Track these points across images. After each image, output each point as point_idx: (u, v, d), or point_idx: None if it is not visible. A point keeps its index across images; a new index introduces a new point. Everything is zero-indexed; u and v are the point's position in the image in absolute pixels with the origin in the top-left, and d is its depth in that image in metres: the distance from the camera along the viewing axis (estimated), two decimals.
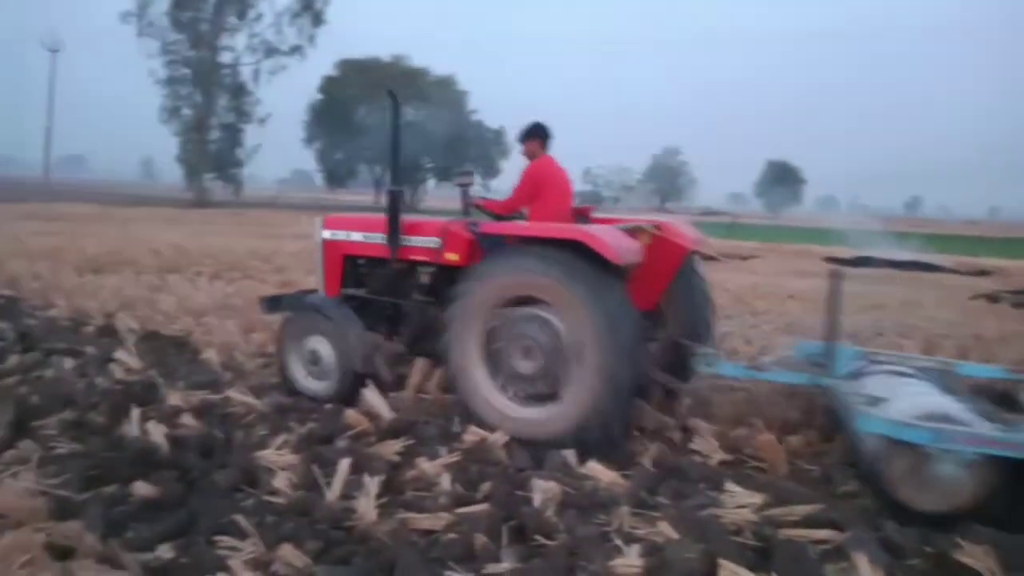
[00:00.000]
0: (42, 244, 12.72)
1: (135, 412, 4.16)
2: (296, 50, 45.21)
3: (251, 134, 46.07)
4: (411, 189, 56.56)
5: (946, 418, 3.38)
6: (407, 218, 5.16)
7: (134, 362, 5.45)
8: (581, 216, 5.26)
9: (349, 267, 5.45)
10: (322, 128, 52.72)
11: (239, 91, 44.98)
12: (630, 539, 3.04)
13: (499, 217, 5.11)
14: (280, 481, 3.47)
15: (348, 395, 4.68)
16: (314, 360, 4.91)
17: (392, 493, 3.45)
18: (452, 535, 3.02)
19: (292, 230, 20.86)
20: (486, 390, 4.29)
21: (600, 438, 3.97)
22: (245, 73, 44.95)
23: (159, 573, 2.75)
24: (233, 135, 45.49)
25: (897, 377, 4.23)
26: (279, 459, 3.74)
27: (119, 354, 5.56)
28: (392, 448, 3.86)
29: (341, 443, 4.02)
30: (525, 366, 4.19)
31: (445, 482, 3.51)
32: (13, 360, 5.38)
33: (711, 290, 5.22)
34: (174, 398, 4.54)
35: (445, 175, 56.39)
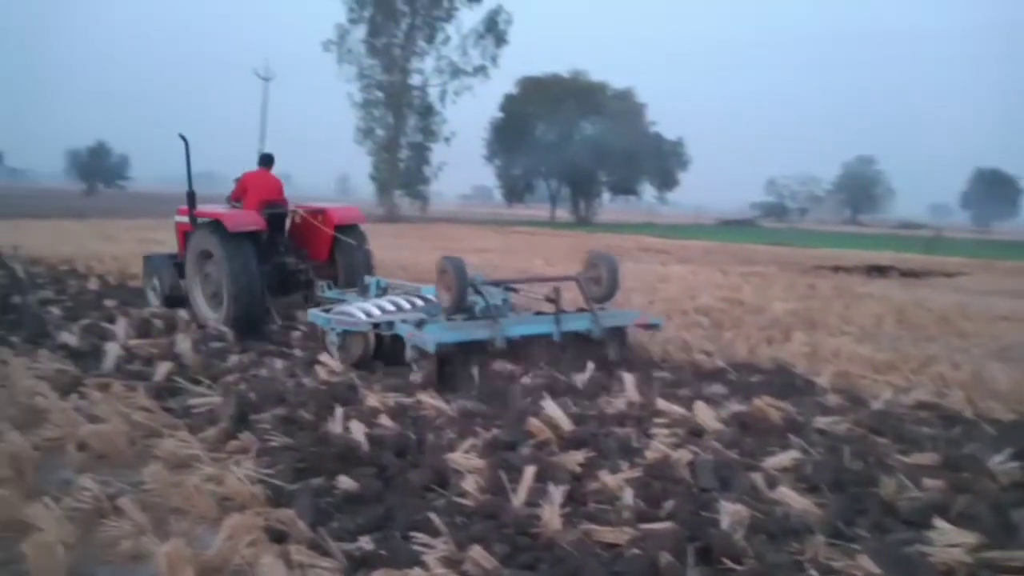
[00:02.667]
0: None
1: (338, 411, 4.50)
2: (480, 70, 47.15)
3: (437, 152, 48.53)
4: (586, 202, 56.97)
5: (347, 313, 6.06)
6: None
7: (335, 364, 5.88)
8: (273, 206, 7.89)
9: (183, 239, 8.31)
10: (502, 145, 54.33)
11: (427, 111, 47.50)
12: (827, 571, 2.87)
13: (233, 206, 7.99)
14: (469, 483, 3.60)
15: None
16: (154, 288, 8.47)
17: (575, 503, 3.47)
18: (636, 551, 2.99)
19: (473, 244, 21.67)
20: (200, 302, 7.61)
21: (244, 324, 7.02)
22: (432, 94, 47.44)
23: (361, 563, 2.94)
24: (421, 153, 48.09)
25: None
26: (467, 462, 3.88)
27: (323, 357, 6.01)
28: (574, 459, 3.89)
29: (525, 450, 4.12)
30: (209, 289, 7.50)
31: (627, 496, 3.48)
32: (233, 359, 5.99)
33: (363, 248, 8.14)
34: (372, 399, 4.85)
35: (622, 188, 56.32)
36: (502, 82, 52.00)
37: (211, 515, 3.32)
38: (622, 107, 52.85)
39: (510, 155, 53.66)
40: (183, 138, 7.84)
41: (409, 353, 5.50)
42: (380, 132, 46.85)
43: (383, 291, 7.29)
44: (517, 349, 5.79)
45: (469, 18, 46.92)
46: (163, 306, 8.09)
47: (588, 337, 6.17)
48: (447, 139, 47.98)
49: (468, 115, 50.52)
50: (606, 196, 60.49)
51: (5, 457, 3.67)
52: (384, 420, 4.48)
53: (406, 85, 46.33)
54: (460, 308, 5.78)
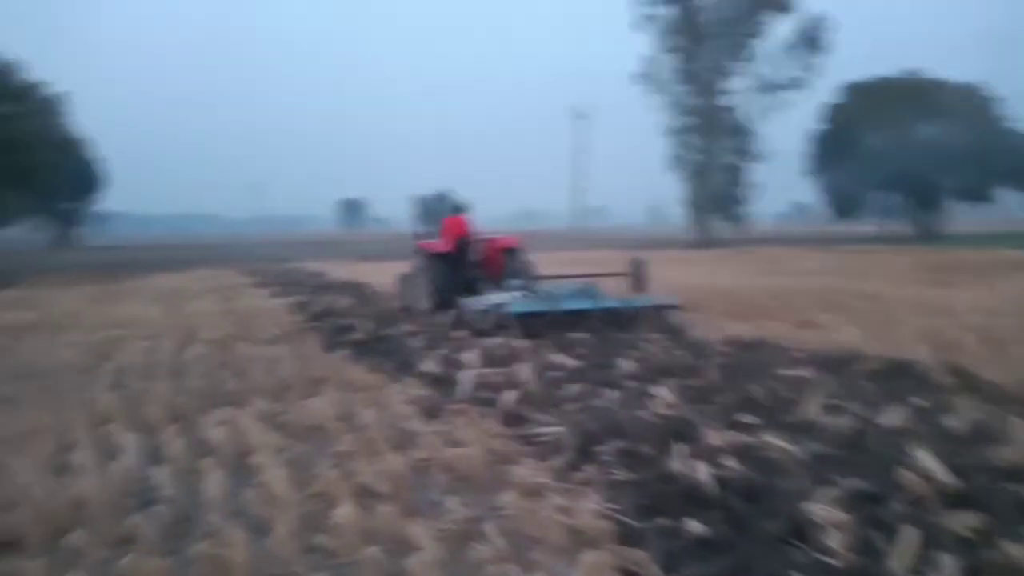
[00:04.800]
0: None
1: (679, 448, 4.38)
2: (796, 84, 44.67)
3: (752, 172, 46.80)
4: (928, 213, 50.61)
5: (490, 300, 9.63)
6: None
7: (670, 397, 5.78)
8: (460, 238, 11.40)
9: None
10: (827, 158, 50.60)
11: (739, 131, 46.10)
12: None
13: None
14: (832, 539, 3.25)
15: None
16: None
17: None
18: None
19: (796, 266, 20.37)
20: (420, 296, 11.52)
21: (438, 309, 10.63)
22: (745, 113, 45.96)
23: None
24: (735, 175, 46.72)
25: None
26: (827, 514, 3.52)
27: (655, 389, 5.96)
28: (962, 520, 3.33)
29: (896, 505, 3.63)
30: (423, 289, 11.45)
31: None
32: (572, 389, 6.18)
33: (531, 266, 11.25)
34: (712, 437, 4.66)
35: (972, 195, 49.11)
36: (816, 94, 48.71)
37: (564, 547, 3.39)
38: (966, 105, 46.20)
39: (838, 168, 49.70)
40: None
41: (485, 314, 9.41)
42: (692, 158, 46.48)
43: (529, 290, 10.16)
44: (570, 318, 9.00)
45: (780, 31, 44.81)
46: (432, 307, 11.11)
47: (621, 314, 9.30)
48: (762, 158, 46.09)
49: (782, 131, 48.08)
50: (952, 204, 53.07)
51: (386, 475, 4.13)
52: (727, 460, 4.26)
53: (717, 107, 45.49)
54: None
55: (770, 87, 45.23)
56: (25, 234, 62.92)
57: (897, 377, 6.39)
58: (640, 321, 9.14)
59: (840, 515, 3.49)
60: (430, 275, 11.01)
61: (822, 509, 3.57)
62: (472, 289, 10.80)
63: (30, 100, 38.84)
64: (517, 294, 9.82)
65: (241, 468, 4.41)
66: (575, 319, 8.98)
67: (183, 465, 4.45)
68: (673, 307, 9.68)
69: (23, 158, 34.01)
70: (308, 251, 42.47)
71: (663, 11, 45.25)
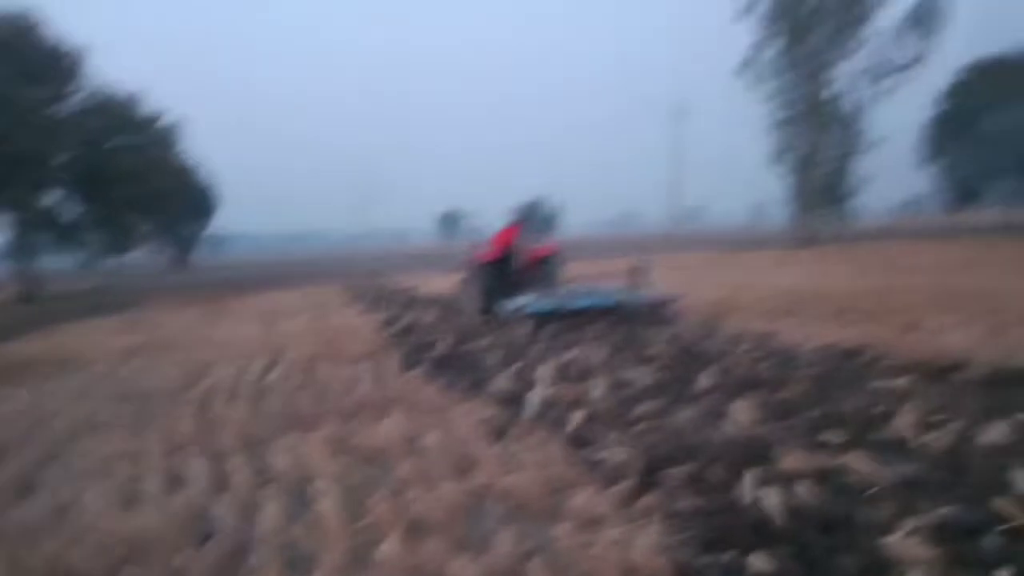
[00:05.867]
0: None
1: (749, 473, 4.07)
2: (908, 67, 42.12)
3: (862, 162, 44.39)
4: None
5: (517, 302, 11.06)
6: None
7: (748, 416, 5.44)
8: (505, 248, 12.53)
9: None
10: (946, 142, 47.48)
11: (847, 121, 43.87)
12: None
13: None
14: None
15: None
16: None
17: None
18: None
19: (906, 262, 19.13)
20: (470, 298, 13.00)
21: (485, 310, 12.14)
22: (854, 101, 43.70)
23: None
24: (843, 167, 44.47)
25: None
26: (910, 550, 3.17)
27: (734, 405, 5.63)
28: None
29: (991, 539, 3.23)
30: (474, 291, 13.00)
31: None
32: (643, 407, 5.90)
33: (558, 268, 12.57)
34: (789, 460, 4.33)
35: None
36: (931, 78, 45.74)
37: None
38: None
39: (958, 152, 46.55)
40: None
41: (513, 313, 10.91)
42: (797, 150, 44.57)
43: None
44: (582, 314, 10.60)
45: (891, 13, 42.36)
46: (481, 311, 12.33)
47: (625, 309, 10.73)
48: (873, 147, 43.64)
49: (895, 118, 45.39)
50: None
51: (441, 504, 4.03)
52: (803, 487, 3.93)
53: (823, 96, 43.47)
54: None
55: (880, 73, 42.85)
56: (145, 258, 67.14)
57: (1008, 386, 5.80)
58: (646, 315, 10.59)
59: (927, 550, 3.15)
60: (479, 281, 12.51)
61: (906, 543, 3.23)
62: (516, 291, 11.93)
63: (150, 131, 41.36)
64: (540, 295, 11.26)
65: (301, 497, 4.41)
66: (586, 315, 10.59)
67: (245, 494, 4.49)
68: (673, 301, 11.12)
69: (145, 186, 36.27)
70: (406, 264, 43.44)
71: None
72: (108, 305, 24.18)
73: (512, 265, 12.49)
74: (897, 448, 4.54)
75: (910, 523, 3.41)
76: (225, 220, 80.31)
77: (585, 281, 12.57)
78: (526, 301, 10.93)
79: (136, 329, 15.50)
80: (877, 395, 5.79)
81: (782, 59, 44.07)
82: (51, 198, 35.31)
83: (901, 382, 6.11)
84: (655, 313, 10.73)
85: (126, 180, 34.33)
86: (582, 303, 10.78)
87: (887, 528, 3.40)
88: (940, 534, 3.29)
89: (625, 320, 10.40)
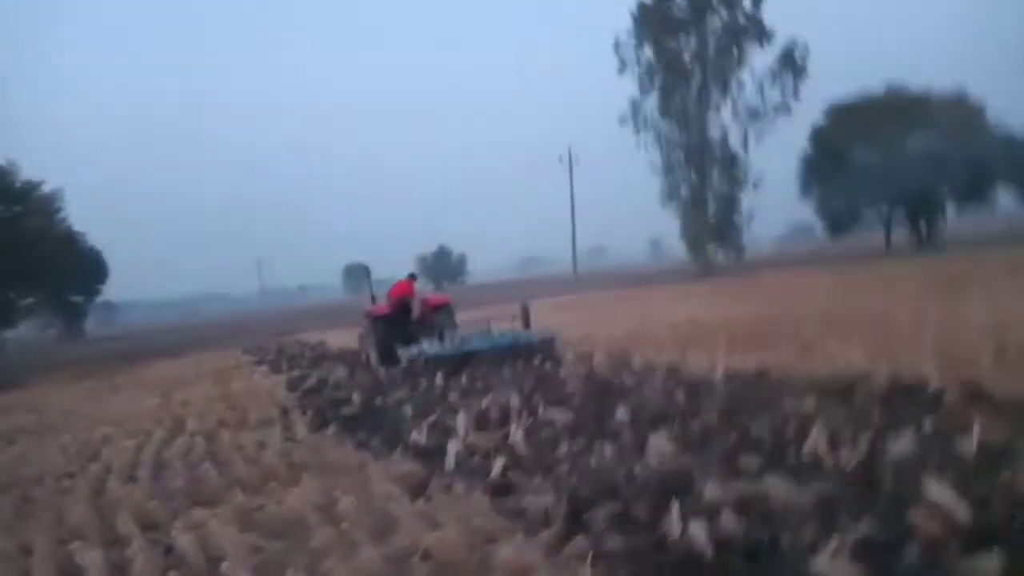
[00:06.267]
0: (575, 333, 14.37)
1: (675, 508, 4.04)
2: (781, 109, 45.06)
3: (746, 199, 46.80)
4: (928, 223, 50.32)
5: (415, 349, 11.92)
6: None
7: (666, 447, 5.46)
8: (402, 300, 13.75)
9: None
10: (816, 180, 50.61)
11: (730, 161, 46.25)
12: None
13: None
14: None
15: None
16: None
17: None
18: None
19: (795, 290, 20.08)
20: (370, 352, 13.94)
21: (385, 361, 12.82)
22: (733, 143, 46.18)
23: None
24: (729, 204, 46.70)
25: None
26: (836, 570, 3.20)
27: (653, 439, 5.64)
28: (984, 566, 3.01)
29: (910, 551, 3.30)
30: (371, 344, 14.05)
31: None
32: (563, 448, 5.82)
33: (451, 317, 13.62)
34: (711, 489, 4.34)
35: (970, 197, 48.70)
36: (810, 112, 48.97)
37: None
38: (956, 114, 46.06)
39: (827, 188, 49.65)
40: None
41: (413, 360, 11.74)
42: (684, 192, 46.58)
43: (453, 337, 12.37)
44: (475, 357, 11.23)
45: (762, 59, 45.33)
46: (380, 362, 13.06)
47: (512, 350, 11.56)
48: (755, 185, 46.14)
49: (777, 153, 48.23)
50: (951, 210, 52.56)
51: (361, 572, 3.82)
52: (727, 516, 3.93)
53: (706, 140, 45.74)
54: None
55: (757, 114, 45.60)
56: (33, 331, 63.05)
57: (906, 400, 6.06)
58: (532, 353, 11.31)
59: (850, 569, 3.18)
60: (377, 332, 13.37)
61: (829, 564, 3.26)
62: (413, 340, 12.63)
63: (28, 200, 39.26)
64: (435, 342, 12.01)
65: None
66: (476, 357, 11.23)
67: None
68: (553, 341, 12.03)
69: (27, 257, 34.28)
70: (312, 321, 42.29)
71: (645, 53, 46.08)
72: None
73: (409, 316, 13.50)
74: (812, 468, 4.63)
75: (833, 542, 3.45)
76: (118, 287, 76.45)
77: (479, 325, 13.27)
78: (423, 348, 11.72)
79: (24, 408, 14.40)
80: (786, 417, 5.93)
81: (661, 108, 46.44)
82: None
83: (807, 403, 6.29)
84: (544, 350, 11.48)
85: (4, 251, 32.27)
86: (476, 346, 11.65)
87: (812, 549, 3.43)
88: (863, 550, 3.34)
89: (517, 358, 11.03)
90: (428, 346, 11.75)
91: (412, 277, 14.49)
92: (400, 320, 13.41)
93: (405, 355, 12.02)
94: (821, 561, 3.28)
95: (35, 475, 7.69)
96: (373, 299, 14.70)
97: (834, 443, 4.95)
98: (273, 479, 6.08)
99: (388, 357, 12.75)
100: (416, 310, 13.59)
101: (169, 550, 4.67)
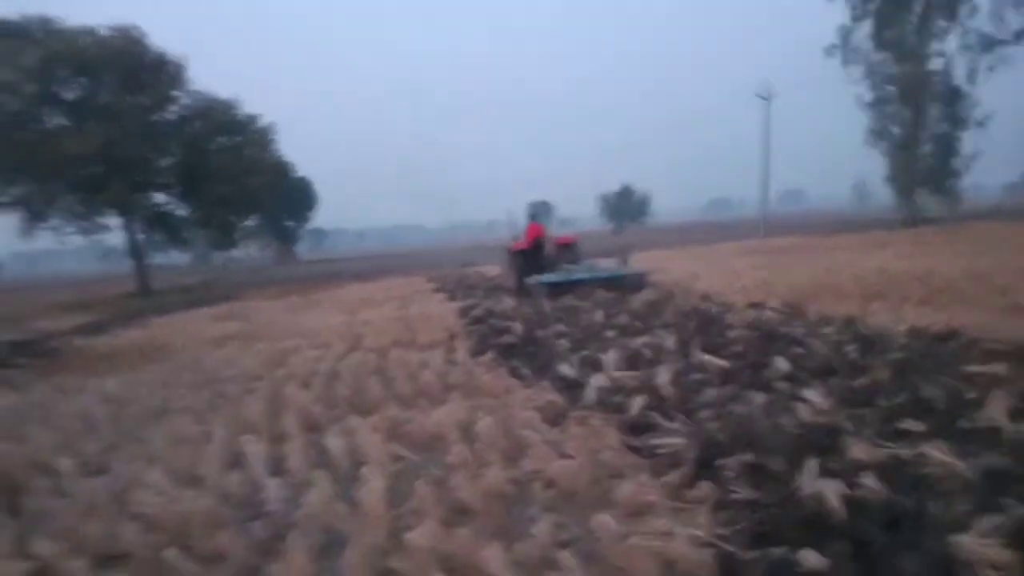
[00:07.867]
0: (755, 277, 13.71)
1: (811, 463, 3.80)
2: (1010, 42, 39.17)
3: (969, 140, 41.59)
4: None
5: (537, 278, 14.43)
6: None
7: (823, 401, 5.12)
8: (537, 238, 16.08)
9: None
10: None
11: (952, 97, 41.19)
12: None
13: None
14: None
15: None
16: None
17: None
18: None
19: (1015, 243, 17.78)
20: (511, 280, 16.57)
21: (520, 292, 15.27)
22: (959, 76, 40.97)
23: None
24: (948, 145, 41.83)
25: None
26: (984, 551, 2.87)
27: (808, 393, 5.31)
28: None
29: None
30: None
31: None
32: (711, 393, 5.64)
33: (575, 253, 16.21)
34: (858, 450, 4.02)
35: None
36: None
37: None
38: None
39: None
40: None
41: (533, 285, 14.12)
42: (896, 130, 42.21)
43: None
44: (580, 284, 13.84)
45: None
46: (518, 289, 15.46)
47: (611, 280, 14.01)
48: (981, 123, 40.79)
49: (1009, 92, 42.28)
50: None
51: (485, 490, 3.95)
52: (870, 479, 3.63)
53: (924, 71, 40.95)
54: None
55: (991, 42, 40.00)
56: (253, 252, 70.22)
57: None
58: (627, 285, 13.71)
59: (1002, 553, 2.84)
60: (514, 265, 16.05)
61: (978, 543, 2.93)
62: (542, 271, 15.15)
63: (247, 132, 43.00)
64: (553, 273, 14.78)
65: (350, 480, 4.42)
66: (584, 285, 13.77)
67: (298, 477, 4.54)
68: (642, 275, 14.50)
69: (246, 184, 37.85)
70: (494, 254, 43.62)
71: None
72: (210, 297, 25.35)
73: (541, 251, 15.96)
74: (984, 438, 4.16)
75: (987, 521, 3.10)
76: (328, 216, 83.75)
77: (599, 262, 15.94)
78: (542, 277, 14.31)
79: (229, 319, 16.13)
80: (968, 381, 5.35)
81: (873, 39, 41.85)
82: (160, 199, 37.31)
83: (997, 368, 5.62)
84: (637, 283, 13.95)
85: (225, 180, 35.90)
86: (580, 276, 14.27)
87: (960, 526, 3.10)
88: (1021, 535, 2.97)
89: (614, 288, 13.46)
90: (546, 276, 14.37)
91: (534, 216, 17.79)
92: (534, 255, 15.89)
93: (530, 282, 14.51)
94: (968, 540, 2.95)
95: (231, 375, 8.62)
96: (515, 238, 16.96)
97: (1017, 415, 4.41)
98: (426, 396, 6.40)
99: (521, 284, 15.29)
100: (547, 247, 16.06)
101: (322, 451, 5.09)
